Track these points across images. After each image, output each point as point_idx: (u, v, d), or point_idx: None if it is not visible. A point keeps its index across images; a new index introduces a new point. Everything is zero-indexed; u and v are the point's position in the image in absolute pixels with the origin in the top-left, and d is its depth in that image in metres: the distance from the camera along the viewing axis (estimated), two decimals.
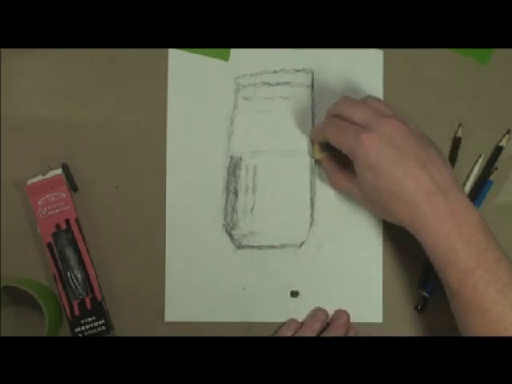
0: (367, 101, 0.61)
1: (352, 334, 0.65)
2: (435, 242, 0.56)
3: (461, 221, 0.55)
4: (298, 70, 0.67)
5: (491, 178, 0.65)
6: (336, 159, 0.64)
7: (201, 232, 0.67)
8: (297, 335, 0.64)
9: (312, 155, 0.66)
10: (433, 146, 0.59)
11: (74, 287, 0.65)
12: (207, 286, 0.66)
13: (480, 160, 0.66)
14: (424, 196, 0.56)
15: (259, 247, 0.67)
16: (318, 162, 0.66)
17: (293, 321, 0.65)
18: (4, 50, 0.68)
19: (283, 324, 0.65)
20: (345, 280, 0.66)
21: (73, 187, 0.67)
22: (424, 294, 0.65)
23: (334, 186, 0.65)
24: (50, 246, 0.65)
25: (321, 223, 0.66)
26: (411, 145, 0.57)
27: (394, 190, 0.57)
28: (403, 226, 0.58)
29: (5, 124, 0.68)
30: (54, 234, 0.65)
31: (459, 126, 0.66)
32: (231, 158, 0.67)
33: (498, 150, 0.66)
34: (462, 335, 0.56)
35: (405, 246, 0.66)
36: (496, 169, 0.66)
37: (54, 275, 0.65)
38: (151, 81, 0.68)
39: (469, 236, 0.55)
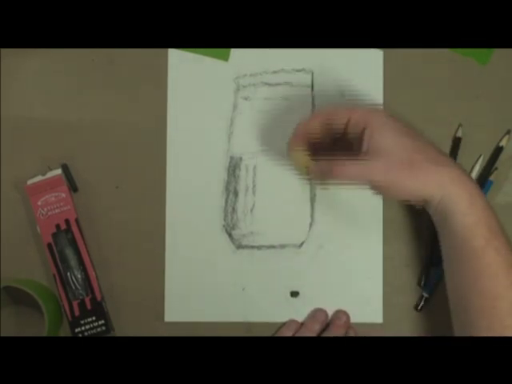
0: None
1: (352, 334, 0.65)
2: (472, 195, 0.56)
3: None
4: (298, 70, 0.67)
5: (491, 178, 0.65)
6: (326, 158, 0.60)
7: (201, 232, 0.67)
8: (297, 335, 0.64)
9: (299, 166, 0.62)
10: None
11: (73, 287, 0.65)
12: (207, 286, 0.66)
13: (480, 160, 0.66)
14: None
15: (259, 247, 0.67)
16: (308, 172, 0.61)
17: (293, 321, 0.65)
18: (4, 50, 0.68)
19: (283, 324, 0.65)
20: (345, 280, 0.66)
21: (73, 187, 0.67)
22: (424, 294, 0.65)
23: (342, 175, 0.58)
24: (49, 246, 0.65)
25: (321, 223, 0.66)
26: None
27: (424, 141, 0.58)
28: (431, 188, 0.57)
29: (5, 124, 0.68)
30: (54, 235, 0.65)
31: (459, 126, 0.66)
32: (231, 158, 0.67)
33: (498, 150, 0.66)
34: (469, 302, 0.56)
35: (405, 246, 0.66)
36: (496, 169, 0.66)
37: (53, 276, 0.65)
38: (151, 81, 0.68)
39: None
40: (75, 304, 0.65)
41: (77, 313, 0.65)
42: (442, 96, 0.67)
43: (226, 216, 0.67)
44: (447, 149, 0.66)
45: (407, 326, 0.65)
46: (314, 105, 0.67)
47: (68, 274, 0.65)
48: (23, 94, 0.68)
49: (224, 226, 0.67)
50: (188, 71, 0.68)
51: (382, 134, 0.58)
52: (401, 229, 0.66)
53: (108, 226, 0.67)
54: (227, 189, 0.67)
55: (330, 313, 0.66)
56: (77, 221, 0.66)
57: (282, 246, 0.66)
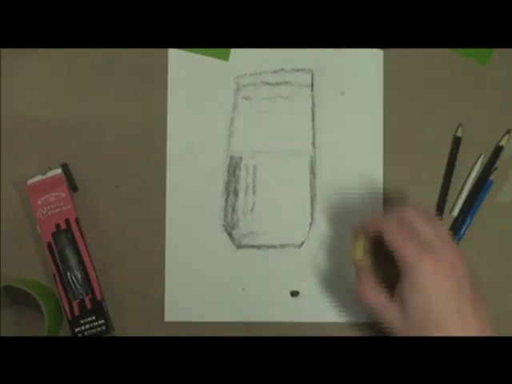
0: (434, 221, 0.57)
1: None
2: None
3: None
4: (298, 70, 0.67)
5: (491, 177, 0.65)
6: (374, 269, 0.59)
7: (201, 232, 0.67)
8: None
9: (350, 254, 0.60)
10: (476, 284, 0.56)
11: (73, 287, 0.65)
12: (207, 286, 0.66)
13: (480, 160, 0.66)
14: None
15: (259, 247, 0.67)
16: (353, 263, 0.60)
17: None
18: (4, 50, 0.68)
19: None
20: (344, 280, 0.66)
21: (73, 187, 0.67)
22: None
23: (364, 297, 0.58)
24: (49, 246, 0.65)
25: (321, 223, 0.66)
26: (467, 282, 0.55)
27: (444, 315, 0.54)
28: None
29: (5, 124, 0.68)
30: (54, 234, 0.65)
31: (459, 126, 0.66)
32: (231, 157, 0.67)
33: (498, 150, 0.66)
34: None
35: None
36: (496, 169, 0.66)
37: (53, 275, 0.65)
38: (151, 81, 0.68)
39: None
40: (75, 304, 0.65)
41: (77, 313, 0.65)
42: (441, 96, 0.67)
43: (225, 216, 0.67)
44: (447, 149, 0.66)
45: None
46: (314, 105, 0.67)
47: (68, 273, 0.65)
48: (23, 94, 0.68)
49: (224, 225, 0.67)
50: (188, 71, 0.68)
51: (415, 292, 0.54)
52: None
53: (108, 226, 0.67)
54: (227, 189, 0.67)
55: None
56: (77, 221, 0.66)
57: (282, 246, 0.66)
